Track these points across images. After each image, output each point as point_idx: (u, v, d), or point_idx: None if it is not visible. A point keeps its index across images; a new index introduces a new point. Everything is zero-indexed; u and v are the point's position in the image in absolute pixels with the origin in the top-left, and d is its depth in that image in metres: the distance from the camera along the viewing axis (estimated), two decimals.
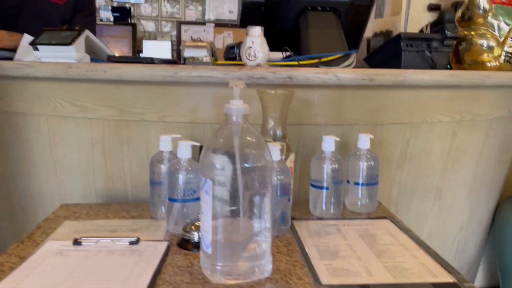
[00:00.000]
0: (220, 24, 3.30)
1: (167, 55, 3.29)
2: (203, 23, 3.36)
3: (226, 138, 0.61)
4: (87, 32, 0.99)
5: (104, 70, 0.92)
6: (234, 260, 0.60)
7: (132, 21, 3.61)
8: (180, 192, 0.77)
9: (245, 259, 0.60)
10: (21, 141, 1.11)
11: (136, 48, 3.02)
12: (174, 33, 3.60)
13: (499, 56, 1.21)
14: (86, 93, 1.00)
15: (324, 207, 0.88)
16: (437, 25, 1.27)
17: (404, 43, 1.17)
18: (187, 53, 1.04)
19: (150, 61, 0.94)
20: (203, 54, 1.04)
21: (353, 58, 1.08)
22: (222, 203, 0.61)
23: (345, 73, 0.94)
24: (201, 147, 0.88)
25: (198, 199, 0.78)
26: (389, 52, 1.22)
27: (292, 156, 0.85)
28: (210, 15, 3.52)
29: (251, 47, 0.96)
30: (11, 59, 1.16)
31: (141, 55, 3.14)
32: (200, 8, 3.72)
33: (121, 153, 1.03)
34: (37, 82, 1.01)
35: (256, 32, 0.97)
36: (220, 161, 0.60)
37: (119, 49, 2.95)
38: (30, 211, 1.18)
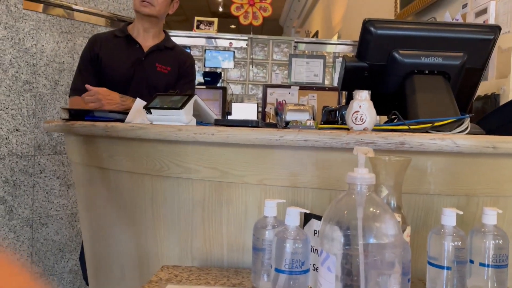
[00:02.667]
0: (305, 87, 3.36)
1: (253, 116, 3.39)
2: (288, 86, 3.45)
3: (349, 209, 0.56)
4: (196, 97, 1.03)
5: (211, 133, 0.94)
6: None
7: (222, 85, 3.84)
8: (288, 263, 0.72)
9: None
10: (125, 199, 1.16)
11: (226, 110, 3.16)
12: (260, 95, 3.74)
13: None
14: (191, 154, 1.02)
15: None
16: None
17: None
18: (289, 116, 1.04)
19: (256, 124, 0.94)
20: (305, 118, 1.03)
21: (467, 123, 1.00)
22: (340, 281, 0.55)
23: (465, 140, 0.87)
24: (306, 214, 0.84)
25: (306, 271, 0.73)
26: (505, 117, 1.12)
27: (408, 230, 0.78)
28: (294, 78, 3.62)
29: (358, 111, 0.93)
30: (121, 121, 1.25)
31: (230, 117, 3.27)
32: (286, 72, 3.86)
33: (220, 215, 1.03)
34: (147, 143, 1.06)
35: (363, 96, 0.94)
36: (342, 234, 0.55)
37: (211, 111, 3.12)
38: (126, 268, 1.20)
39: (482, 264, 0.80)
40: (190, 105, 1.02)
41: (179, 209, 1.06)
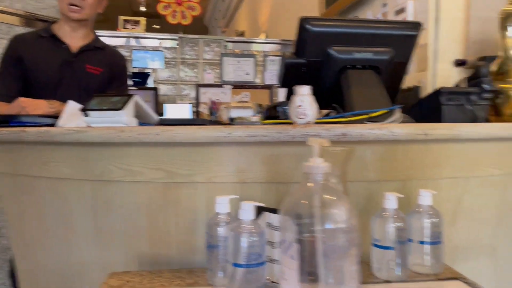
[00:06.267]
0: (238, 86, 3.39)
1: (187, 116, 3.35)
2: (220, 85, 3.46)
3: (306, 198, 0.58)
4: (136, 98, 1.00)
5: (157, 133, 0.92)
6: None
7: (153, 86, 3.73)
8: (245, 256, 0.73)
9: None
10: (62, 207, 1.09)
11: (158, 111, 3.09)
12: (193, 95, 3.70)
13: None
14: (135, 156, 0.99)
15: (390, 269, 0.83)
16: (473, 79, 1.28)
17: (444, 97, 1.18)
18: (233, 113, 1.04)
19: (202, 122, 0.94)
20: (249, 114, 1.04)
21: (398, 113, 1.08)
22: (302, 266, 0.57)
23: (400, 128, 0.94)
24: (259, 208, 0.85)
25: (263, 263, 0.74)
26: (429, 107, 1.22)
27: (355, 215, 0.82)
28: (226, 78, 3.63)
29: (300, 105, 0.97)
30: (51, 125, 1.17)
31: (162, 117, 3.21)
32: (218, 71, 3.85)
33: (168, 217, 1.01)
34: (86, 147, 1.01)
35: (305, 91, 0.98)
36: (300, 223, 0.57)
37: None
38: (67, 281, 1.13)
39: (421, 242, 0.87)
40: (131, 106, 0.98)
41: (123, 214, 1.02)
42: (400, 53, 1.19)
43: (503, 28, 1.25)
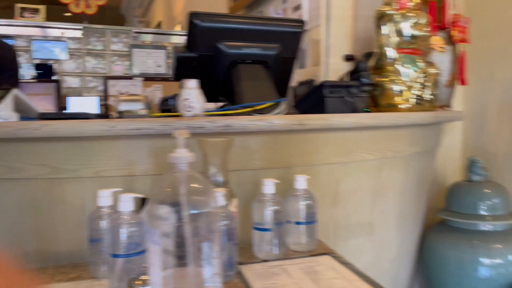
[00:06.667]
0: (149, 78, 3.32)
1: (94, 110, 3.22)
2: (130, 77, 3.36)
3: (172, 186, 0.62)
4: (15, 91, 0.96)
5: (35, 128, 0.90)
6: None
7: (56, 78, 3.52)
8: (124, 246, 0.75)
9: None
10: None
11: (60, 105, 2.92)
12: (101, 88, 3.55)
13: (408, 98, 1.36)
14: (13, 152, 0.95)
15: (268, 249, 0.90)
16: (354, 74, 1.41)
17: (326, 90, 1.28)
18: (122, 106, 1.05)
19: (85, 116, 0.93)
20: (139, 107, 1.05)
21: (284, 105, 1.15)
22: (170, 252, 0.61)
23: (279, 119, 1.01)
24: (143, 199, 0.87)
25: (142, 252, 0.77)
26: (314, 99, 1.32)
27: (235, 201, 0.87)
28: (137, 70, 3.54)
29: (187, 98, 1.00)
30: None
31: (65, 111, 3.04)
32: (127, 63, 3.73)
33: (54, 213, 0.99)
34: None
35: (191, 85, 1.01)
36: (167, 210, 0.61)
37: (43, 106, 2.84)
38: None
39: (297, 223, 0.95)
40: (8, 100, 0.94)
41: (5, 214, 0.98)
42: (287, 49, 1.27)
43: (378, 26, 1.39)
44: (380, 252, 1.36)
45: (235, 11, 2.61)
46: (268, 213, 0.89)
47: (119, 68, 3.73)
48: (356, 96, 1.33)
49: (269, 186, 0.90)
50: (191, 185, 0.62)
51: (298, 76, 2.01)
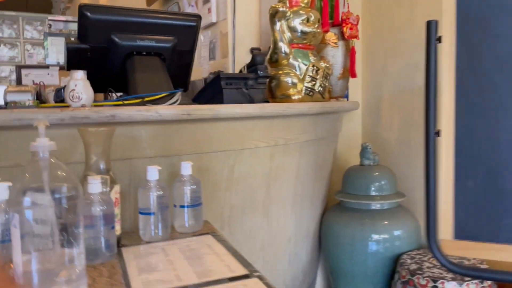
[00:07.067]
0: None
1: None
2: (46, 66, 3.22)
3: (33, 174, 0.65)
4: None
5: None
6: None
7: None
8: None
9: (60, 285, 0.64)
10: None
11: None
12: (14, 77, 3.37)
13: (301, 90, 1.47)
14: None
15: (152, 232, 0.95)
16: (251, 66, 1.49)
17: (223, 82, 1.35)
18: (9, 97, 1.05)
19: None
20: (27, 98, 1.06)
21: (177, 96, 1.21)
22: (34, 234, 0.65)
23: (166, 110, 1.06)
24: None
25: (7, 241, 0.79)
26: (213, 90, 1.39)
27: (117, 188, 0.92)
28: (53, 59, 3.40)
29: (74, 89, 1.02)
30: None
31: None
32: (43, 51, 3.56)
33: None
34: None
35: (78, 76, 1.03)
36: (30, 196, 0.64)
37: None
38: None
39: (182, 206, 1.01)
40: None
41: None
42: (183, 42, 1.32)
43: (273, 22, 1.48)
44: (276, 231, 1.47)
45: (151, 4, 2.60)
46: (151, 198, 0.95)
47: (34, 57, 3.55)
48: (253, 87, 1.41)
49: (152, 173, 0.96)
50: (54, 171, 0.66)
51: (210, 68, 2.07)
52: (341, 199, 1.77)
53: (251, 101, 1.41)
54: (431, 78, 0.74)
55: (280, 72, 1.49)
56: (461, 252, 0.79)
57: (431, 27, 0.79)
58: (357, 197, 1.73)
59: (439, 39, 0.76)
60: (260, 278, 0.72)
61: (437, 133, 0.74)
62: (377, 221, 1.67)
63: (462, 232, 0.76)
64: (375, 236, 1.65)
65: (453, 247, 0.77)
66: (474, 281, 1.33)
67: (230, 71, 1.84)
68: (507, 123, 0.76)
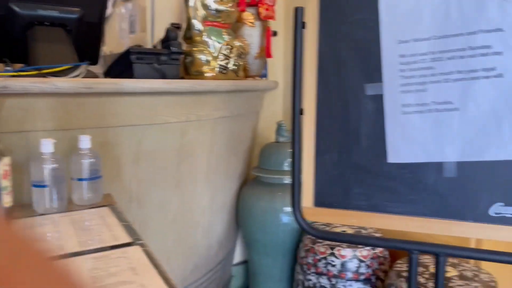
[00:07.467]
0: None
1: None
2: None
3: None
4: None
5: None
6: None
7: None
8: None
9: None
10: None
11: None
12: None
13: (215, 68, 1.51)
14: None
15: (47, 204, 0.96)
16: (165, 42, 1.50)
17: (134, 56, 1.35)
18: None
19: None
20: None
21: (81, 69, 1.19)
22: None
23: (64, 82, 1.05)
24: None
25: None
26: (123, 64, 1.38)
27: (6, 160, 0.91)
28: None
29: None
30: None
31: None
32: None
33: None
34: None
35: None
36: None
37: None
38: None
39: (80, 179, 1.02)
40: None
41: None
42: (90, 13, 1.29)
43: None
44: (189, 203, 1.51)
45: None
46: (45, 171, 0.95)
47: None
48: (166, 63, 1.42)
49: (46, 145, 0.96)
50: None
51: (130, 42, 2.03)
52: (257, 174, 1.85)
53: (164, 76, 1.42)
54: (297, 60, 0.81)
55: (195, 49, 1.51)
56: (319, 217, 0.88)
57: (298, 13, 0.85)
58: (270, 171, 1.82)
59: (303, 25, 0.83)
60: (142, 245, 0.76)
61: (301, 112, 0.81)
62: (288, 194, 1.77)
63: (320, 200, 0.85)
64: (286, 209, 1.75)
65: (313, 213, 0.86)
66: (367, 248, 1.47)
67: (149, 46, 1.82)
68: (357, 104, 0.85)
